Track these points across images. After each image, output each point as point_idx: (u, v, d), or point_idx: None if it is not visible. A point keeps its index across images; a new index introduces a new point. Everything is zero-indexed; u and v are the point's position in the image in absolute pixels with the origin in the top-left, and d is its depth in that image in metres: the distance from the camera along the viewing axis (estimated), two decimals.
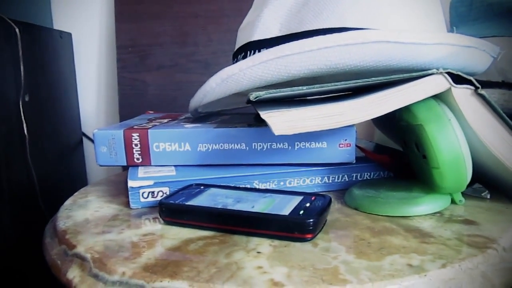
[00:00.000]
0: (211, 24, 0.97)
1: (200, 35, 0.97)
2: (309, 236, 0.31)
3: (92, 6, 1.01)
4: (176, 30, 0.97)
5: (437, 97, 0.37)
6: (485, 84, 0.63)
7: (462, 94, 0.35)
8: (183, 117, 0.55)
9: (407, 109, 0.37)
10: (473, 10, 0.87)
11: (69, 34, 0.97)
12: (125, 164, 0.44)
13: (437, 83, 0.35)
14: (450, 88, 0.35)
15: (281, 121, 0.34)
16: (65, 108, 0.94)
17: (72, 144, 0.96)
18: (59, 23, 1.00)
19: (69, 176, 0.94)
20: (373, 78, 0.35)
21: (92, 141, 1.04)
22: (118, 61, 0.96)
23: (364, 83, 0.35)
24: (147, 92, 0.97)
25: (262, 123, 0.45)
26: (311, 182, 0.44)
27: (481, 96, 0.35)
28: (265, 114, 0.34)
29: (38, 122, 0.79)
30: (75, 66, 0.99)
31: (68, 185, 0.92)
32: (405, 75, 0.35)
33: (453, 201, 0.39)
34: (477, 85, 0.35)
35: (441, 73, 0.35)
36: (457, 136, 0.35)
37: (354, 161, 0.43)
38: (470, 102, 0.35)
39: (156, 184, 0.40)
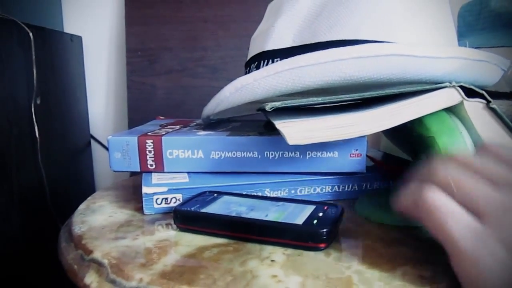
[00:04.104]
0: (220, 29, 0.98)
1: (208, 40, 0.98)
2: (323, 245, 0.32)
3: (102, 10, 1.03)
4: (185, 34, 0.98)
5: (449, 110, 0.37)
6: (493, 95, 0.63)
7: (474, 108, 0.36)
8: (195, 123, 0.56)
9: (419, 121, 0.37)
10: (481, 19, 0.87)
11: (80, 38, 0.98)
12: (138, 170, 0.44)
13: (450, 96, 0.36)
14: (462, 102, 0.36)
15: (295, 131, 0.34)
16: (74, 110, 0.95)
17: (80, 147, 0.97)
18: (70, 27, 1.01)
19: (77, 178, 0.95)
20: (386, 90, 0.36)
21: (101, 144, 1.05)
22: (127, 64, 0.97)
23: (378, 94, 0.36)
24: (155, 96, 0.98)
25: (273, 131, 0.45)
26: (321, 191, 0.44)
27: (493, 110, 0.36)
28: (279, 124, 0.35)
29: (48, 125, 0.80)
30: (84, 69, 1.00)
31: (76, 187, 0.93)
32: (418, 87, 0.36)
33: None
34: (489, 99, 0.36)
35: (453, 86, 0.36)
36: (468, 149, 0.35)
37: (365, 171, 0.44)
38: (482, 116, 0.36)
39: (169, 191, 0.41)
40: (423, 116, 0.36)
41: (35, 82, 0.73)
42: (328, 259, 0.31)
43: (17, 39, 0.70)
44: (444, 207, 0.25)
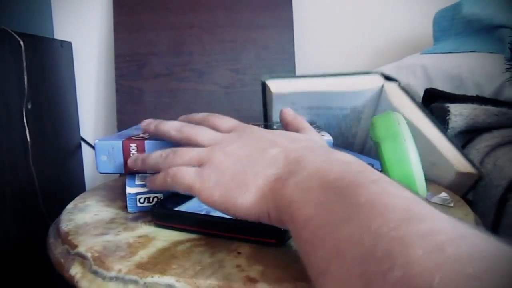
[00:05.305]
0: (206, 35, 1.01)
1: (195, 45, 1.01)
2: (281, 241, 0.35)
3: (92, 16, 1.06)
4: (172, 40, 1.01)
5: (386, 98, 0.48)
6: (459, 99, 0.66)
7: (391, 87, 0.49)
8: None
9: (372, 126, 0.41)
10: (454, 25, 0.91)
11: (69, 43, 1.01)
12: (123, 172, 0.48)
13: (374, 80, 0.48)
14: (383, 84, 0.49)
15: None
16: (64, 114, 0.98)
17: (71, 149, 1.00)
18: (60, 33, 1.04)
19: (68, 180, 0.98)
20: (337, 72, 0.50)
21: (91, 146, 1.08)
22: (116, 69, 1.00)
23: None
24: (143, 100, 1.01)
25: None
26: None
27: (403, 89, 0.49)
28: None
29: (39, 128, 0.83)
30: (74, 74, 1.04)
31: (67, 188, 0.96)
32: (353, 71, 0.49)
33: None
34: (399, 81, 0.50)
35: (376, 72, 0.48)
36: (409, 155, 0.38)
37: None
38: (397, 92, 0.49)
39: (152, 191, 0.44)
40: (375, 123, 0.40)
41: (25, 87, 0.76)
42: (290, 252, 0.35)
43: (8, 47, 0.73)
44: (179, 171, 0.37)
